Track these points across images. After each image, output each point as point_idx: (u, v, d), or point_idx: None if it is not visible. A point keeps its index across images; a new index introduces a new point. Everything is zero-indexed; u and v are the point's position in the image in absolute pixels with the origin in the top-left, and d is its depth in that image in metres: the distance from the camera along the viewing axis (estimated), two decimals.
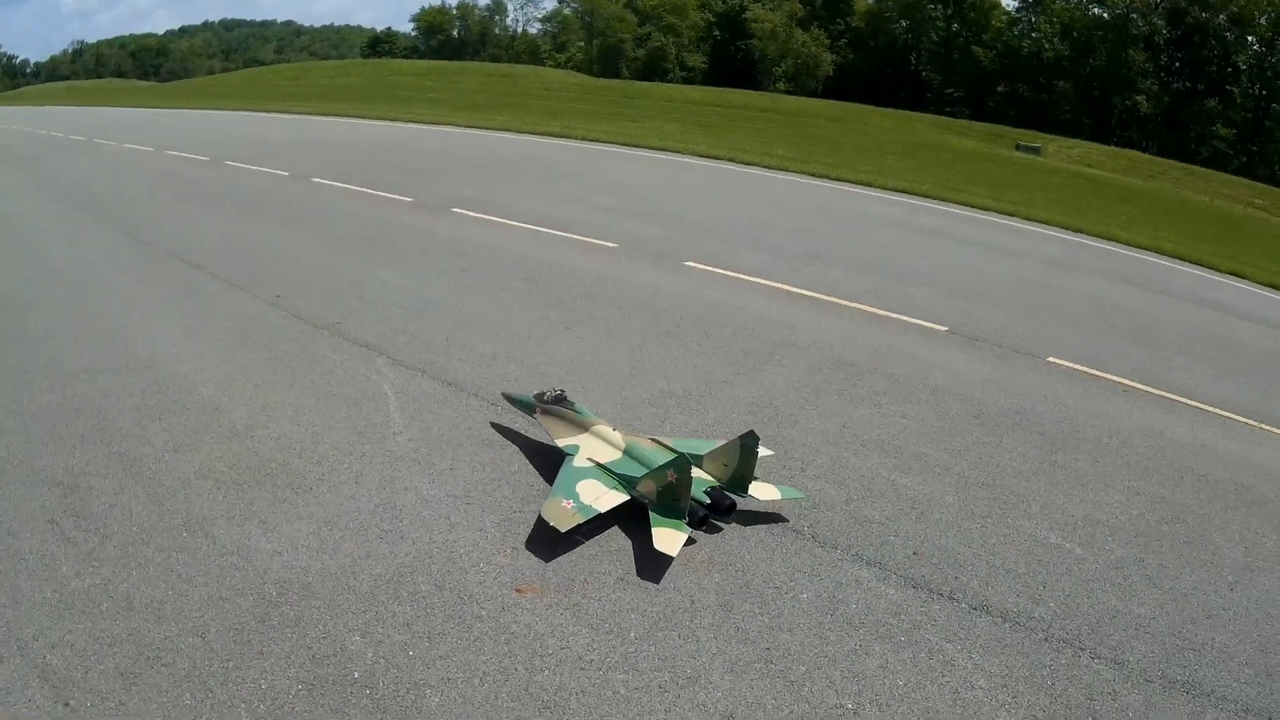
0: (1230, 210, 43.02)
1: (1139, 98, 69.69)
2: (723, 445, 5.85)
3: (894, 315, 10.58)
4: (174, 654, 4.52)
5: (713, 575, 5.36)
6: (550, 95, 59.44)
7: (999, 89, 75.14)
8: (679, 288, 11.33)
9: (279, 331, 9.44)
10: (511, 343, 9.23)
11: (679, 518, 5.41)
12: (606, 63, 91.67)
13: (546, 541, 5.50)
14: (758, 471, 5.85)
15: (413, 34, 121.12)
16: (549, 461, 6.43)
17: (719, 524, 5.82)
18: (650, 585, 5.19)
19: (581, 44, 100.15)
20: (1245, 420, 9.13)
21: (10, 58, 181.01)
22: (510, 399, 7.04)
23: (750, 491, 5.80)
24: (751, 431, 5.71)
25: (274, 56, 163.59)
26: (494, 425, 7.23)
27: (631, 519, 5.67)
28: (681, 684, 4.50)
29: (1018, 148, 52.52)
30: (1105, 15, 72.08)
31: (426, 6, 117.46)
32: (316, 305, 10.27)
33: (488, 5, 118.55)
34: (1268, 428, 9.03)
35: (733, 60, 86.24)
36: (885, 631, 4.99)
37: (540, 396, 6.70)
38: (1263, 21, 66.97)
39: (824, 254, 13.59)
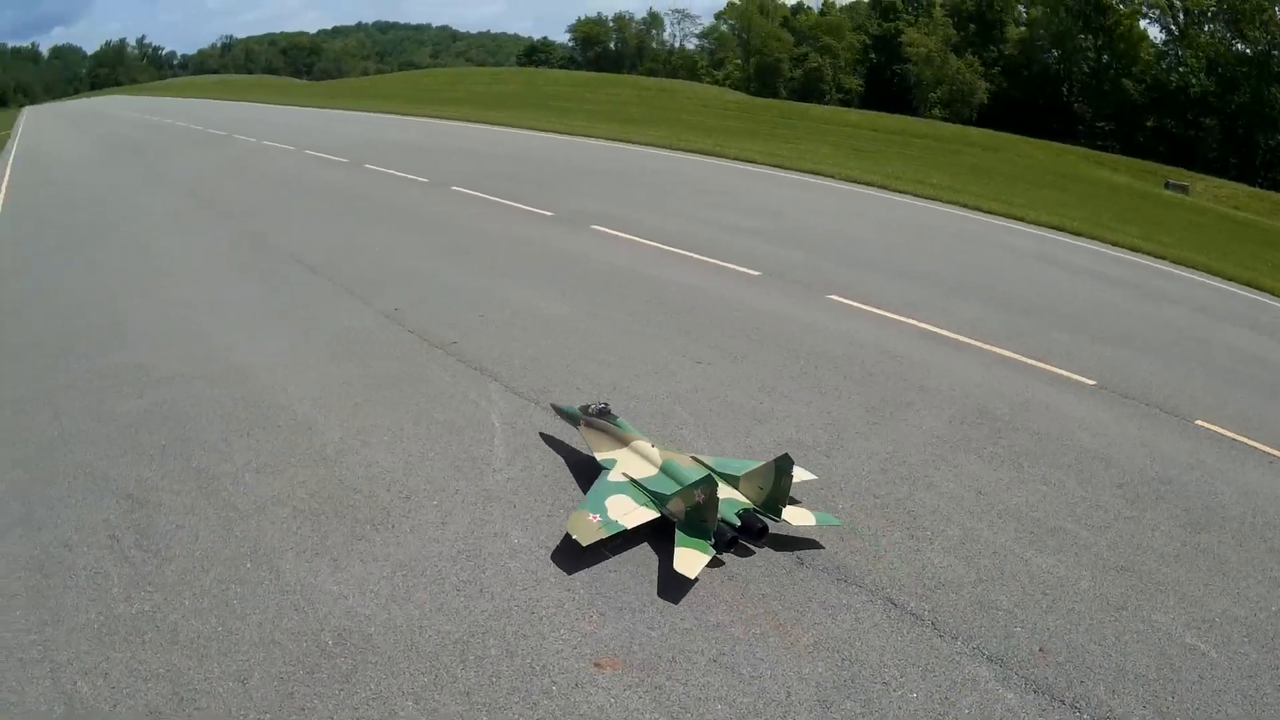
0: None
1: None
2: (759, 467, 6.02)
3: (1038, 363, 10.09)
4: (209, 698, 4.43)
5: (815, 663, 4.91)
6: (705, 111, 60.48)
7: (1148, 123, 76.88)
8: (818, 321, 10.95)
9: (390, 347, 9.55)
10: (636, 375, 8.96)
11: (706, 538, 5.56)
12: (763, 81, 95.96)
13: (637, 610, 5.20)
14: (802, 497, 6.17)
15: (569, 44, 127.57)
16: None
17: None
18: (745, 671, 4.83)
19: (738, 61, 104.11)
20: None
21: (156, 49, 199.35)
22: (558, 410, 7.37)
23: (784, 516, 5.91)
24: (786, 455, 5.79)
25: (429, 61, 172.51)
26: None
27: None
28: None
29: (1166, 185, 52.70)
30: (1248, 51, 73.19)
31: (583, 17, 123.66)
32: (435, 320, 10.37)
33: (644, 19, 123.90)
34: None
35: (888, 84, 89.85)
36: None
37: (585, 409, 7.01)
38: None
39: (969, 290, 13.06)
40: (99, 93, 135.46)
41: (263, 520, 6.00)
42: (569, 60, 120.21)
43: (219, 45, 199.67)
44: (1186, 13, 76.37)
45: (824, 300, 11.85)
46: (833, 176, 25.18)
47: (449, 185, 20.40)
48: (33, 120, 66.80)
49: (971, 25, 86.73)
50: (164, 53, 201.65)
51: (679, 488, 5.88)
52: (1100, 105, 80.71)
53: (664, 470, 6.26)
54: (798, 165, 26.98)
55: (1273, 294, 17.78)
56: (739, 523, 5.77)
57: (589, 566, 5.62)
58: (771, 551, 5.85)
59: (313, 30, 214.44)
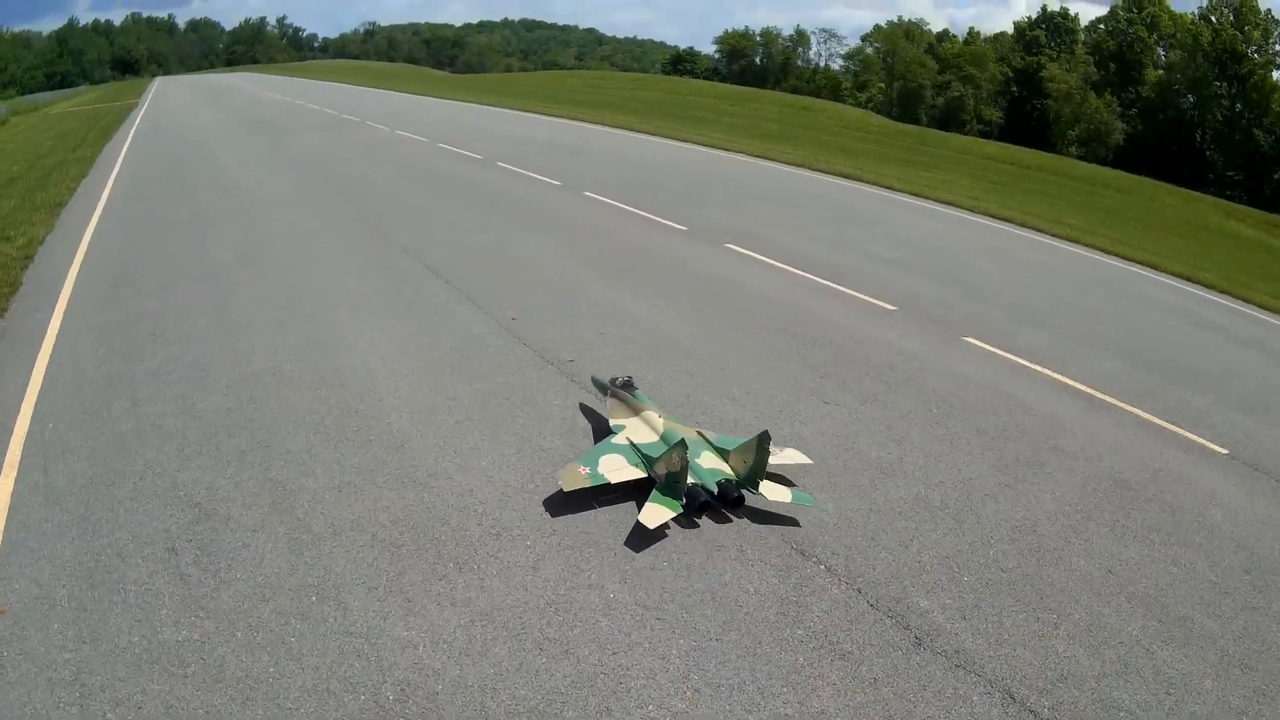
0: None
1: None
2: (746, 442, 6.52)
3: (1171, 426, 9.39)
4: None
5: None
6: (846, 133, 60.27)
7: (1275, 175, 79.02)
8: (953, 365, 10.30)
9: (502, 360, 9.19)
10: (758, 411, 8.33)
11: (677, 498, 6.14)
12: (905, 106, 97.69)
13: (735, 689, 4.64)
14: (797, 479, 6.86)
15: (714, 56, 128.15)
16: (768, 569, 5.81)
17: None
18: None
19: (882, 85, 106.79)
20: None
21: (297, 30, 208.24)
22: (595, 382, 8.05)
23: (761, 489, 6.43)
24: (765, 432, 6.37)
25: (574, 62, 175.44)
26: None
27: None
28: None
29: None
30: None
31: (730, 30, 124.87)
32: (552, 334, 10.00)
33: (791, 36, 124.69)
34: None
35: (1028, 118, 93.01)
36: None
37: (613, 380, 7.78)
38: None
39: (1103, 340, 12.28)
40: (234, 69, 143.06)
41: (336, 547, 5.62)
42: (713, 71, 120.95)
43: (361, 31, 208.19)
44: None
45: (960, 342, 11.12)
46: (969, 209, 24.52)
47: (582, 190, 20.17)
48: (161, 91, 70.03)
49: (1112, 65, 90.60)
50: (304, 34, 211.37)
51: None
52: (1231, 154, 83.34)
53: (663, 438, 6.85)
54: (936, 195, 26.28)
55: None
56: (716, 490, 6.35)
57: (691, 634, 5.03)
58: (888, 629, 5.27)
59: (458, 23, 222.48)
